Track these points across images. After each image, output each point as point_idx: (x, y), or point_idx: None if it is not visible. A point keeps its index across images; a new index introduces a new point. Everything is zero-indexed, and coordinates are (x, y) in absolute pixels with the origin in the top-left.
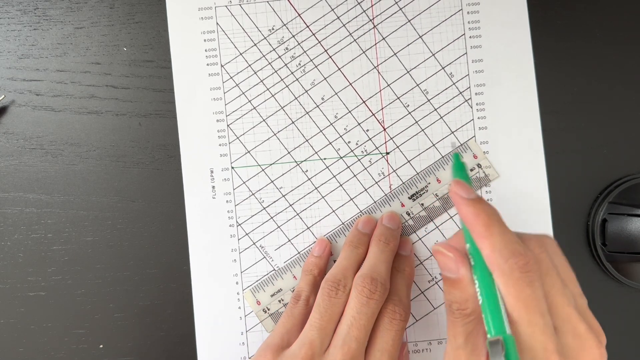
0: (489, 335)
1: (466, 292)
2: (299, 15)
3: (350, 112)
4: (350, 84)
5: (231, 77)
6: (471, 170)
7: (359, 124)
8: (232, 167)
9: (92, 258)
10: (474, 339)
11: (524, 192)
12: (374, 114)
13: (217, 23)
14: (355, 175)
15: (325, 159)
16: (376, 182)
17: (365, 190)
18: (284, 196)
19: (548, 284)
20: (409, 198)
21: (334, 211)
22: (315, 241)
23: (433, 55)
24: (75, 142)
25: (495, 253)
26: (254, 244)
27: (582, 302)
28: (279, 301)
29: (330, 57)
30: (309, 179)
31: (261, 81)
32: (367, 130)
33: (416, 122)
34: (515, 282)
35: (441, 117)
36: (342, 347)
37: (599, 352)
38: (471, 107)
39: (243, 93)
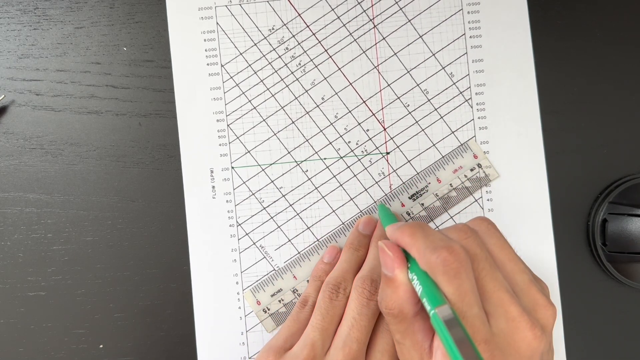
0: (432, 311)
1: (397, 293)
2: (299, 15)
3: (350, 112)
4: (351, 83)
5: (231, 77)
6: (471, 170)
7: (359, 124)
8: (232, 167)
9: (92, 258)
10: (411, 336)
11: (524, 192)
12: (374, 114)
13: (217, 23)
14: (355, 175)
15: (325, 158)
16: (376, 182)
17: (366, 190)
18: (284, 196)
19: (477, 270)
20: (409, 198)
21: (334, 211)
22: (327, 247)
23: (433, 55)
24: (75, 142)
25: (421, 254)
26: (254, 244)
27: (523, 278)
28: (279, 301)
29: (331, 57)
30: (309, 179)
31: (261, 81)
32: (367, 130)
33: (416, 122)
34: (442, 277)
35: (441, 117)
36: (343, 349)
37: (531, 333)
38: (471, 107)
39: (243, 93)
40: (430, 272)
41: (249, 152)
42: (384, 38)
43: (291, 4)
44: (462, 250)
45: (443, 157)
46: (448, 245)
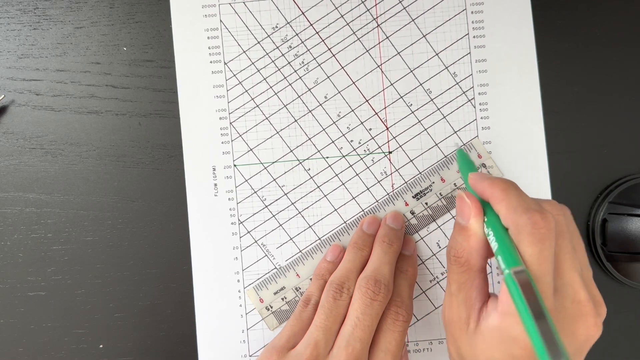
0: (507, 270)
1: (468, 242)
2: (303, 13)
3: (353, 110)
4: (354, 82)
5: (234, 75)
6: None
7: (362, 123)
8: (235, 165)
9: (92, 258)
10: (467, 290)
11: (526, 192)
12: (376, 113)
13: (220, 21)
14: (357, 174)
15: (327, 157)
16: (378, 182)
17: (368, 189)
18: (286, 194)
19: (559, 245)
20: (413, 197)
21: (335, 210)
22: (330, 246)
23: (437, 54)
24: (75, 141)
25: (511, 210)
26: (256, 242)
27: (588, 273)
28: (282, 299)
29: (334, 55)
30: (311, 178)
31: (264, 79)
32: (370, 129)
33: (419, 121)
34: (527, 237)
35: (444, 117)
36: (346, 348)
37: (594, 321)
38: (474, 107)
39: (246, 91)
40: (516, 230)
41: (251, 150)
42: (387, 37)
43: (295, 2)
44: (553, 219)
45: (446, 156)
46: (541, 210)
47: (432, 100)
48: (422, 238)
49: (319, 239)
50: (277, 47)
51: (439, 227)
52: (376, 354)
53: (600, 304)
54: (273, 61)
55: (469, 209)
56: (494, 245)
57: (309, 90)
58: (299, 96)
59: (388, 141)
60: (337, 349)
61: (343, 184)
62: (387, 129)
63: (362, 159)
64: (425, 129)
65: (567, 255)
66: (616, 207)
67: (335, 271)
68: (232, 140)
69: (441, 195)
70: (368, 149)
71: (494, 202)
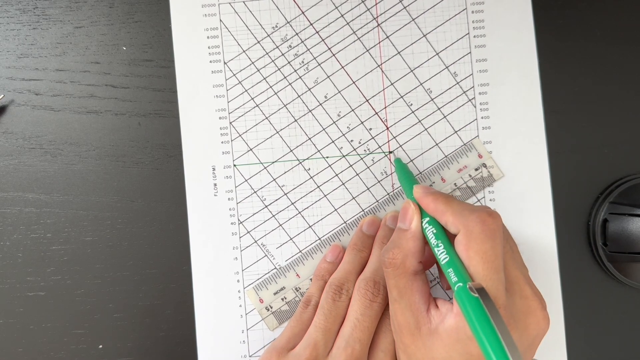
0: (460, 284)
1: (406, 244)
2: (303, 13)
3: (353, 110)
4: (354, 82)
5: (234, 75)
6: (476, 169)
7: (362, 123)
8: (234, 165)
9: (92, 258)
10: (409, 295)
11: (527, 192)
12: (377, 113)
13: (220, 20)
14: (357, 174)
15: (327, 157)
16: (379, 181)
17: (368, 189)
18: (285, 194)
19: (504, 247)
20: None
21: (335, 210)
22: (330, 246)
23: (437, 54)
24: (75, 141)
25: (458, 214)
26: (256, 242)
27: (526, 271)
28: (282, 299)
29: (334, 55)
30: (311, 177)
31: (264, 79)
32: (370, 129)
33: (419, 121)
34: (479, 235)
35: (444, 117)
36: (345, 349)
37: (542, 314)
38: (475, 107)
39: (246, 90)
40: (466, 231)
41: (251, 149)
42: (387, 37)
43: (295, 1)
44: (499, 216)
45: (447, 156)
46: (487, 209)
47: (432, 100)
48: None
49: (319, 239)
50: (277, 47)
51: None
52: (375, 354)
53: (542, 298)
54: (273, 61)
55: (413, 213)
56: (444, 258)
57: (309, 90)
58: (299, 96)
59: (388, 141)
60: (337, 349)
61: (343, 184)
62: (387, 128)
63: (362, 158)
64: (426, 129)
65: (507, 254)
66: (617, 207)
67: (335, 272)
68: (231, 140)
69: None
70: (368, 149)
71: (439, 214)
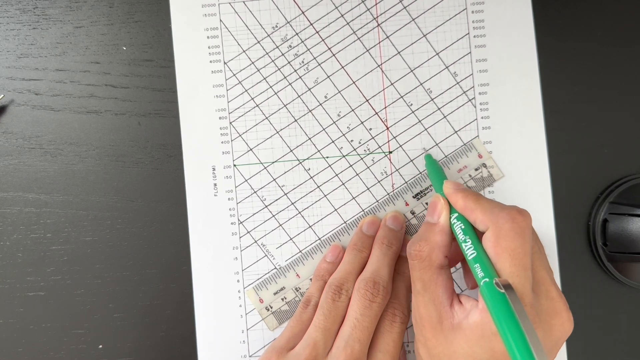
0: (486, 279)
1: (433, 238)
2: (303, 13)
3: (353, 110)
4: (354, 82)
5: (234, 75)
6: (476, 169)
7: (362, 123)
8: (234, 165)
9: (92, 258)
10: (433, 289)
11: (527, 192)
12: (377, 113)
13: (220, 20)
14: (357, 174)
15: (327, 157)
16: (379, 181)
17: (368, 189)
18: (285, 194)
19: (532, 247)
20: (413, 197)
21: (335, 210)
22: (329, 246)
23: (437, 54)
24: (75, 141)
25: (488, 212)
26: (256, 242)
27: (551, 273)
28: (282, 299)
29: (334, 55)
30: (311, 177)
31: (264, 79)
32: (370, 129)
33: (419, 121)
34: (508, 232)
35: (445, 117)
36: (344, 349)
37: (567, 315)
38: (475, 107)
39: (246, 90)
40: (496, 227)
41: (251, 149)
42: (387, 37)
43: (295, 1)
44: (529, 215)
45: (447, 156)
46: (517, 208)
47: (432, 100)
48: None
49: (319, 239)
50: (277, 47)
51: None
52: (375, 355)
53: (566, 301)
54: (273, 61)
55: (442, 207)
56: (471, 253)
57: (309, 90)
58: (299, 96)
59: (388, 141)
60: (336, 349)
61: (343, 183)
62: (387, 128)
63: (362, 158)
64: (426, 129)
65: (535, 255)
66: (617, 207)
67: (335, 272)
68: (231, 140)
69: None
70: (368, 149)
71: (469, 211)
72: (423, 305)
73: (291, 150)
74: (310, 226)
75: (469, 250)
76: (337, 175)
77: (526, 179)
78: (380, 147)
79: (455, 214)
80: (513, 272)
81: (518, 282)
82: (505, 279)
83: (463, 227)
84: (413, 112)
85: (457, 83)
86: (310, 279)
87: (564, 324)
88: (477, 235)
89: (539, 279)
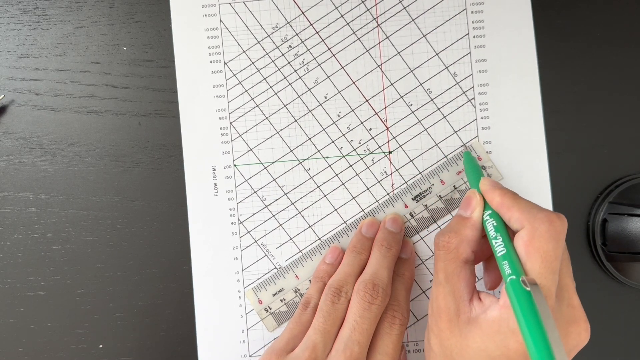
0: (513, 276)
1: (463, 231)
2: (303, 13)
3: (353, 110)
4: (354, 82)
5: (234, 75)
6: None
7: (362, 123)
8: (235, 165)
9: (92, 258)
10: (455, 281)
11: (526, 192)
12: (376, 113)
13: (220, 20)
14: (357, 174)
15: (327, 157)
16: (378, 182)
17: (368, 189)
18: (286, 194)
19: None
20: (413, 199)
21: (335, 210)
22: (328, 248)
23: (437, 54)
24: (75, 141)
25: (526, 211)
26: (256, 242)
27: (574, 283)
28: (281, 300)
29: (334, 55)
30: (311, 178)
31: (264, 79)
32: (370, 129)
33: (419, 121)
34: (544, 234)
35: (444, 117)
36: (344, 351)
37: (585, 325)
38: (474, 107)
39: (246, 91)
40: (532, 228)
41: (251, 149)
42: (387, 37)
43: (295, 2)
44: (566, 220)
45: (446, 157)
46: (555, 212)
47: (432, 100)
48: (422, 238)
49: (319, 239)
50: (277, 47)
51: (440, 227)
52: (374, 357)
53: (584, 313)
54: (273, 61)
55: (477, 203)
56: (501, 250)
57: (309, 90)
58: (299, 96)
59: (388, 141)
60: (336, 351)
61: (343, 184)
62: (387, 128)
63: (362, 159)
64: (426, 129)
65: (564, 262)
66: (616, 207)
67: (334, 275)
68: (232, 140)
69: (441, 197)
70: (368, 149)
71: (505, 209)
72: (442, 296)
73: (291, 151)
74: (310, 226)
75: (498, 247)
76: (337, 175)
77: (526, 178)
78: (380, 147)
79: (489, 211)
80: (542, 273)
81: (545, 283)
82: (532, 277)
83: (495, 224)
84: (413, 112)
85: (457, 83)
86: (310, 280)
87: (580, 333)
88: (508, 234)
89: (563, 286)
